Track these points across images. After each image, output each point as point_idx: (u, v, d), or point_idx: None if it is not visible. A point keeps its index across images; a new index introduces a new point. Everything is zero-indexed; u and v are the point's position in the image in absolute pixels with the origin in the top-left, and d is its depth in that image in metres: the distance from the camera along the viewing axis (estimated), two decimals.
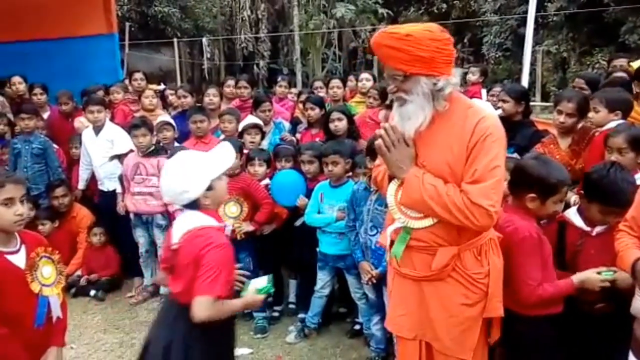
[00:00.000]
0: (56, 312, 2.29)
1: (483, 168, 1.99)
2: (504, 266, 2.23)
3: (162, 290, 4.51)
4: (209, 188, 2.22)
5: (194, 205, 2.23)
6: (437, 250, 2.12)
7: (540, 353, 2.33)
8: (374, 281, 3.31)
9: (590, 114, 3.35)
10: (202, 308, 2.07)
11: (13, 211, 2.14)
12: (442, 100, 2.06)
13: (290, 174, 4.00)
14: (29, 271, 2.19)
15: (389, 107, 4.78)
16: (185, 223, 2.23)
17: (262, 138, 4.53)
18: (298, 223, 3.88)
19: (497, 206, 2.02)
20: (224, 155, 2.34)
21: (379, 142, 2.14)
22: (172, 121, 4.77)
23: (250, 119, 4.58)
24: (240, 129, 4.51)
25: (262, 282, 2.40)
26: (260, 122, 4.56)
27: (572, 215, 2.52)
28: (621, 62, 5.21)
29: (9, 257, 2.17)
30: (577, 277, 2.30)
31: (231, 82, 5.93)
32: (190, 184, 2.19)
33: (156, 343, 2.26)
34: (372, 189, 3.27)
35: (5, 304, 2.11)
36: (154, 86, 7.02)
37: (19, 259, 2.19)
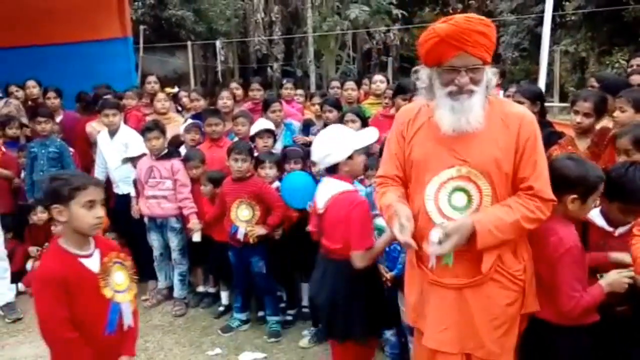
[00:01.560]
0: (128, 320, 2.26)
1: (542, 162, 2.08)
2: (546, 276, 2.21)
3: (176, 293, 4.51)
4: (350, 157, 2.65)
5: (334, 170, 2.69)
6: (480, 254, 2.06)
7: None
8: (389, 284, 3.26)
9: (616, 113, 3.28)
10: (360, 260, 2.58)
11: (93, 214, 2.13)
12: (491, 91, 2.06)
13: (300, 175, 3.97)
14: (102, 276, 2.18)
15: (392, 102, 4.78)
16: (328, 190, 2.69)
17: (275, 142, 4.51)
18: (310, 227, 3.84)
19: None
20: (368, 135, 2.78)
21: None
22: (199, 124, 4.77)
23: (262, 123, 4.57)
24: (252, 132, 4.49)
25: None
26: (272, 126, 4.54)
27: (595, 216, 2.48)
28: (638, 61, 5.10)
29: (83, 260, 2.17)
30: (604, 281, 2.25)
31: (234, 84, 5.93)
32: (334, 149, 2.63)
33: (322, 296, 2.76)
34: None
35: (78, 308, 2.10)
36: (169, 89, 7.05)
37: (93, 263, 2.18)
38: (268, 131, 4.45)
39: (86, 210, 2.11)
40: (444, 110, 2.05)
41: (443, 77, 2.04)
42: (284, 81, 6.54)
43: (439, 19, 2.11)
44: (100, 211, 2.16)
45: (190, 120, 4.96)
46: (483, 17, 2.02)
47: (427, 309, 2.22)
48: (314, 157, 2.79)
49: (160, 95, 5.65)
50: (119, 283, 2.23)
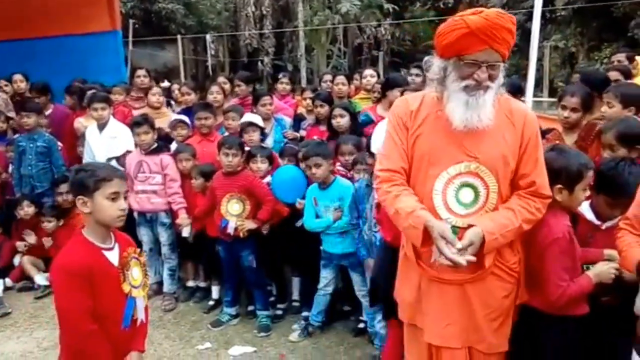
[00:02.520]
0: (141, 315, 2.27)
1: (541, 159, 2.11)
2: (536, 265, 2.24)
3: (165, 288, 4.51)
4: None
5: None
6: (481, 250, 2.06)
7: (563, 353, 2.30)
8: None
9: (603, 108, 3.31)
10: None
11: (117, 206, 2.14)
12: (501, 88, 2.08)
13: (290, 169, 3.97)
14: (121, 270, 2.18)
15: (379, 101, 4.79)
16: None
17: (262, 135, 4.50)
18: (299, 224, 3.85)
19: None
20: None
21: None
22: (186, 119, 4.74)
23: (248, 116, 4.55)
24: (239, 127, 4.47)
25: None
26: (259, 120, 4.52)
27: (585, 209, 2.52)
28: (619, 57, 5.18)
29: (106, 253, 2.17)
30: (592, 272, 2.29)
31: (221, 79, 5.88)
32: None
33: (382, 276, 2.84)
34: (373, 186, 3.23)
35: (100, 301, 2.10)
36: (162, 84, 7.01)
37: (114, 257, 2.19)
38: (252, 124, 4.43)
39: (110, 202, 2.12)
40: (457, 104, 2.01)
41: (462, 70, 2.00)
42: (280, 75, 6.51)
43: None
44: (124, 203, 2.16)
45: (175, 116, 4.93)
46: (511, 15, 2.02)
47: (428, 305, 2.20)
48: (374, 147, 2.73)
49: (155, 89, 5.61)
50: (135, 278, 2.23)
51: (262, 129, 4.52)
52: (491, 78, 2.00)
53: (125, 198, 2.20)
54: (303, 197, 3.81)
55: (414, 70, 5.19)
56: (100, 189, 2.11)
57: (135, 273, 2.23)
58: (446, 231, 1.96)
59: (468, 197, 2.08)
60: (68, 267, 2.08)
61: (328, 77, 6.31)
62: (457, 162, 2.06)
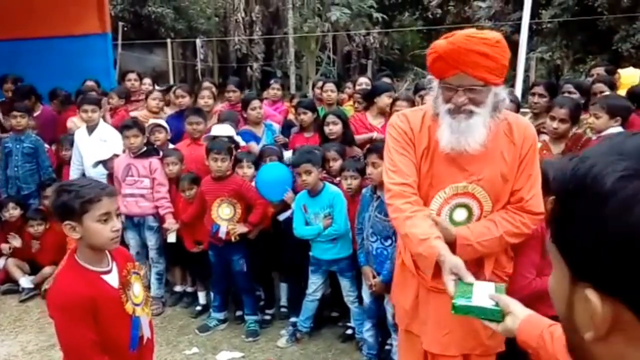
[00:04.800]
0: (146, 332, 2.12)
1: (535, 174, 2.07)
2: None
3: (153, 292, 4.47)
4: None
5: None
6: (480, 259, 2.09)
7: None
8: (375, 289, 3.30)
9: (591, 120, 3.39)
10: None
11: (110, 227, 1.92)
12: (499, 113, 2.01)
13: (275, 166, 3.94)
14: (123, 291, 2.01)
15: (367, 109, 4.82)
16: None
17: (255, 140, 4.50)
18: (282, 217, 3.85)
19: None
20: None
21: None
22: (164, 123, 4.73)
23: (218, 128, 4.41)
24: (212, 133, 4.38)
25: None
26: (232, 132, 4.40)
27: None
28: (599, 70, 5.32)
29: (105, 277, 1.98)
30: None
31: (206, 83, 5.82)
32: None
33: None
34: (374, 196, 3.25)
35: (104, 328, 1.93)
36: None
37: (113, 279, 2.00)
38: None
39: (102, 225, 1.90)
40: (444, 127, 1.99)
41: (444, 93, 1.99)
42: (272, 81, 6.50)
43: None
44: (117, 223, 1.96)
45: (152, 120, 4.88)
46: (489, 36, 1.89)
47: (426, 314, 2.22)
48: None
49: (156, 94, 5.56)
50: (137, 295, 2.08)
51: (230, 137, 4.36)
52: (474, 102, 1.93)
53: (118, 215, 2.01)
54: (296, 193, 3.80)
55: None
56: (88, 211, 1.88)
57: (136, 290, 2.08)
58: (460, 267, 1.79)
59: (461, 216, 2.12)
60: (67, 300, 1.89)
61: (319, 84, 6.34)
62: (455, 182, 2.06)
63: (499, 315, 1.49)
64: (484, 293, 1.61)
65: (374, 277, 3.31)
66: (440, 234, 1.97)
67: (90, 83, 6.20)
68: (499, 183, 2.06)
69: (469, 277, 1.76)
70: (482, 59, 1.86)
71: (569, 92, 4.24)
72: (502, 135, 2.06)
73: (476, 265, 2.11)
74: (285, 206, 3.90)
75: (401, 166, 2.10)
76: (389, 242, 3.20)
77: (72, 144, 5.04)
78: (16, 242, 4.89)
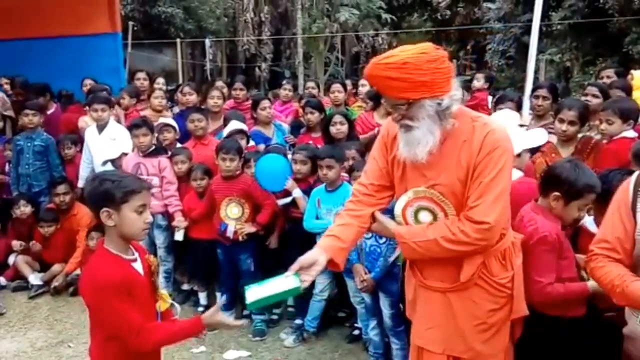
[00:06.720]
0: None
1: (489, 181, 1.97)
2: (523, 264, 2.24)
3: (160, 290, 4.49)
4: (518, 155, 2.74)
5: None
6: (463, 261, 2.10)
7: (552, 353, 2.34)
8: (365, 285, 3.31)
9: (603, 126, 3.38)
10: None
11: (144, 219, 2.02)
12: (449, 119, 2.01)
13: (273, 157, 3.94)
14: (149, 279, 2.10)
15: (374, 109, 4.84)
16: None
17: (247, 142, 4.51)
18: (281, 202, 3.87)
19: (499, 218, 2.00)
20: (538, 136, 2.98)
21: None
22: (173, 123, 4.76)
23: (234, 124, 4.51)
24: (225, 134, 4.47)
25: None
26: (245, 127, 4.49)
27: (588, 222, 2.59)
28: (608, 73, 5.25)
29: (133, 265, 2.06)
30: (591, 283, 2.30)
31: (219, 83, 5.89)
32: None
33: None
34: None
35: (141, 311, 2.01)
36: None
37: (139, 267, 2.09)
38: (241, 131, 4.44)
39: (137, 215, 1.99)
40: (399, 138, 2.09)
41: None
42: (283, 82, 6.57)
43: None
44: (150, 216, 2.05)
45: (161, 120, 4.92)
46: (394, 60, 1.90)
47: (419, 307, 2.30)
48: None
49: (158, 93, 5.60)
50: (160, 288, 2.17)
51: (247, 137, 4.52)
52: (408, 117, 1.98)
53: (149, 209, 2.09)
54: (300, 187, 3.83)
55: None
56: (128, 201, 1.97)
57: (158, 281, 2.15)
58: (301, 261, 2.12)
59: (426, 218, 2.14)
60: (106, 281, 1.94)
61: (311, 84, 6.60)
62: (416, 186, 2.11)
63: (297, 289, 1.98)
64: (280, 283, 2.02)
65: (365, 274, 3.31)
66: (337, 232, 2.17)
67: (88, 81, 6.22)
68: (458, 188, 2.03)
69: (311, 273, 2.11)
70: (391, 82, 1.92)
71: (593, 95, 4.09)
72: (461, 141, 2.03)
73: (455, 267, 2.11)
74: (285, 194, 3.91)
75: (368, 168, 2.30)
76: (384, 239, 3.24)
77: (73, 142, 5.10)
78: (36, 247, 4.93)
